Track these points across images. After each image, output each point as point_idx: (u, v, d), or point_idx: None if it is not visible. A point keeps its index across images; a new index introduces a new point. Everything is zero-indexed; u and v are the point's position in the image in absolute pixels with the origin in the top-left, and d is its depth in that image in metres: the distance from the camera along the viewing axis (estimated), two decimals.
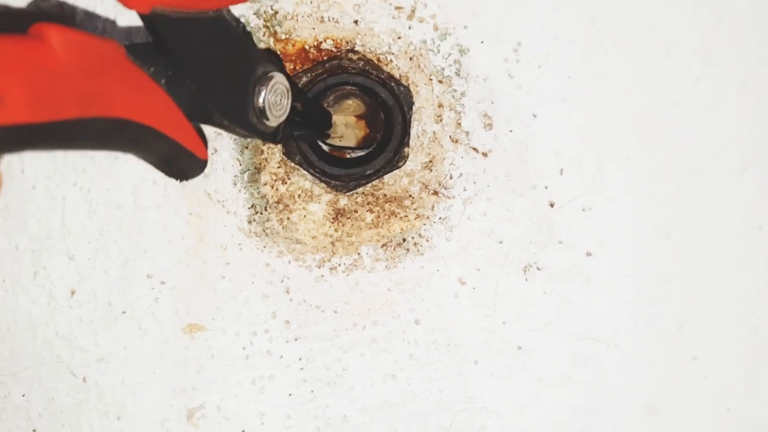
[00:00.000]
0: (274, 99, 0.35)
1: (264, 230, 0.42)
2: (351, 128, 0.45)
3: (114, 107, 0.27)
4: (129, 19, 0.41)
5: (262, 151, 0.42)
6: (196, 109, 0.32)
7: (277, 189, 0.42)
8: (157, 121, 0.29)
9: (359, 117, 0.45)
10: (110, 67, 0.27)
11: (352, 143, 0.45)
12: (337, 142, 0.45)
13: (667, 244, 0.43)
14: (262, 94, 0.34)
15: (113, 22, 0.41)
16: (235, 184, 0.42)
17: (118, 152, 0.33)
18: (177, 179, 0.34)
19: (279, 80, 0.35)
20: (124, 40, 0.41)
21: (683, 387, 0.44)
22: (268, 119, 0.34)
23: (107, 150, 0.30)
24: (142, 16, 0.29)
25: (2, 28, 0.24)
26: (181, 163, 0.33)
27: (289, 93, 0.36)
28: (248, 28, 0.41)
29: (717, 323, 0.44)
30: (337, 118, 0.44)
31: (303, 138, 0.42)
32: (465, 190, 0.43)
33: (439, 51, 0.41)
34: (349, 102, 0.45)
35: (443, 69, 0.42)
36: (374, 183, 0.42)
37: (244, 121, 0.34)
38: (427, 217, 0.43)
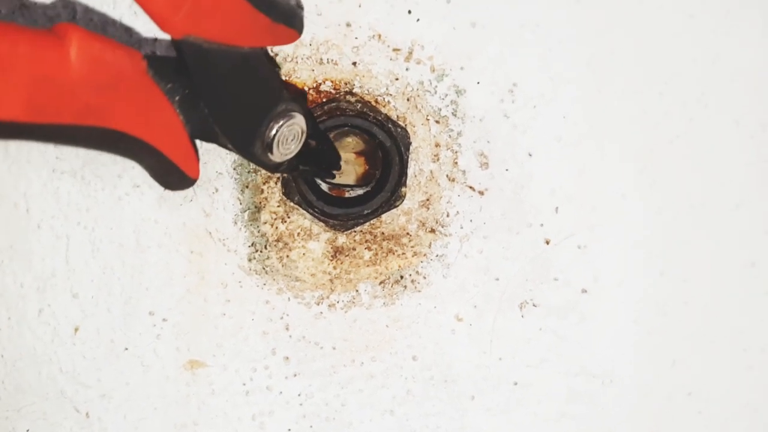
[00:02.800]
0: (285, 137, 0.35)
1: (264, 268, 0.43)
2: (351, 164, 0.46)
3: (112, 120, 0.27)
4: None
5: (262, 191, 0.42)
6: (203, 128, 0.32)
7: (276, 227, 0.43)
8: (155, 137, 0.30)
9: (359, 153, 0.46)
10: (122, 82, 0.27)
11: (351, 180, 0.46)
12: (336, 179, 0.45)
13: (662, 280, 0.44)
14: (275, 129, 0.34)
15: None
16: (235, 222, 0.43)
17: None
18: (163, 188, 0.35)
19: (297, 122, 0.35)
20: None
21: (678, 423, 0.45)
22: (272, 154, 0.35)
23: (100, 151, 0.30)
24: (173, 40, 0.29)
25: (34, 17, 0.24)
26: (170, 177, 0.33)
27: (303, 137, 0.36)
28: None
29: (711, 359, 0.45)
30: None
31: (306, 174, 0.42)
32: (462, 228, 0.43)
33: (436, 92, 0.42)
34: (349, 139, 0.46)
35: (440, 109, 0.42)
36: (372, 222, 0.43)
37: (248, 150, 0.34)
38: (425, 255, 0.43)
